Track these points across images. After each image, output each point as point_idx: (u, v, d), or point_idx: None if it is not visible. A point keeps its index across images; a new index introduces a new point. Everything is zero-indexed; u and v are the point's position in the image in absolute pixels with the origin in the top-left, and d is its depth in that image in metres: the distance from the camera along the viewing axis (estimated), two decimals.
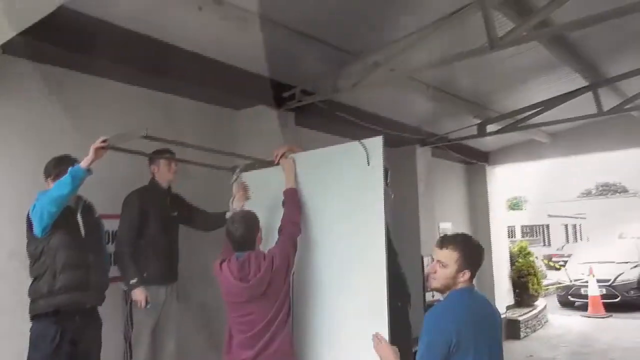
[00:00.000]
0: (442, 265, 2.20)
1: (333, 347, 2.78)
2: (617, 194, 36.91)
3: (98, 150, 2.72)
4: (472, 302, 2.22)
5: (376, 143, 2.70)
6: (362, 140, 2.73)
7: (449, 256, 2.19)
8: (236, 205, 3.15)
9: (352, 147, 2.78)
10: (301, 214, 2.90)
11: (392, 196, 3.11)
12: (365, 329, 2.52)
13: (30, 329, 2.77)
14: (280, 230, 2.78)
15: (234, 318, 2.62)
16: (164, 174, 3.46)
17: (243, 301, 2.56)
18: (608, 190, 40.47)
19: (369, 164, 2.68)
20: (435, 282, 2.24)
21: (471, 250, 2.24)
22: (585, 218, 27.88)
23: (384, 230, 2.60)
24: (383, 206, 2.62)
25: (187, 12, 3.20)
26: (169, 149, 3.38)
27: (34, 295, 2.79)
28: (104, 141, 2.73)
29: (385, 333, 2.48)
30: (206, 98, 4.38)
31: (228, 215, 3.42)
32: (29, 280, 2.82)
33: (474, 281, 2.28)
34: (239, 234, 2.65)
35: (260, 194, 3.26)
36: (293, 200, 2.90)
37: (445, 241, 2.24)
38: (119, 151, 2.89)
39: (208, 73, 3.94)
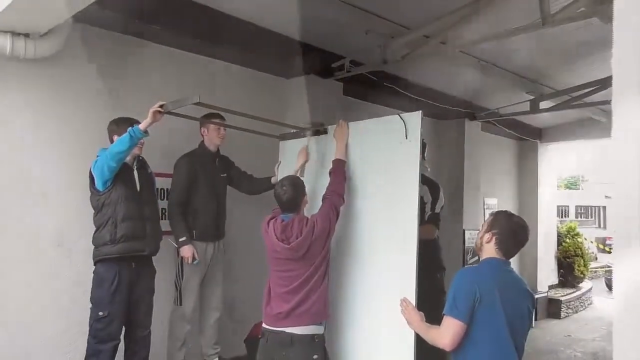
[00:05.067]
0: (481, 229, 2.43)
1: (365, 308, 2.97)
2: None
3: (155, 113, 2.95)
4: (500, 271, 2.32)
5: (415, 117, 2.79)
6: (401, 114, 2.82)
7: (486, 220, 2.42)
8: (297, 168, 3.28)
9: (392, 121, 2.89)
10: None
11: (429, 170, 3.19)
12: (396, 294, 2.67)
13: (94, 271, 3.12)
14: (324, 198, 2.93)
15: (275, 272, 2.82)
16: (212, 138, 3.68)
17: (284, 258, 2.76)
18: None
19: (407, 137, 2.78)
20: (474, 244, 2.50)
21: (502, 220, 2.37)
22: None
23: (418, 203, 2.72)
24: (418, 179, 2.73)
25: None
26: (219, 113, 3.58)
27: (97, 242, 3.11)
28: (160, 106, 2.95)
29: (412, 298, 2.62)
30: (259, 66, 4.54)
31: (273, 180, 3.64)
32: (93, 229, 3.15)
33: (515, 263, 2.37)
34: (287, 197, 2.81)
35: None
36: (340, 171, 3.03)
37: (493, 211, 2.50)
38: (174, 115, 3.10)
39: (261, 42, 4.07)
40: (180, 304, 3.54)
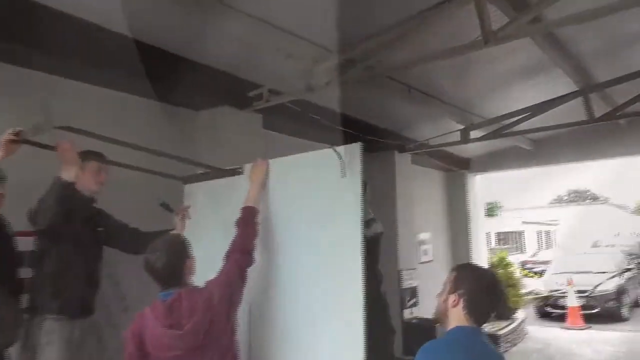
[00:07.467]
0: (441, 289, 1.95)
1: None
2: (588, 201, 37.45)
3: (8, 143, 2.20)
4: (474, 343, 1.83)
5: (354, 151, 2.22)
6: (336, 148, 2.24)
7: (448, 278, 1.95)
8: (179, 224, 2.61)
9: (325, 155, 2.29)
10: (258, 239, 2.37)
11: (372, 215, 2.65)
12: None
13: None
14: (227, 257, 2.25)
15: None
16: (88, 182, 2.76)
17: (175, 355, 2.02)
18: (579, 197, 41.06)
19: (343, 175, 2.21)
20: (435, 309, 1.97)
21: (469, 276, 1.92)
22: (558, 224, 28.05)
23: (362, 256, 2.13)
24: (360, 226, 2.15)
25: None
26: (100, 153, 2.78)
27: None
28: (16, 134, 2.21)
29: None
30: (161, 96, 3.83)
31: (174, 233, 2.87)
32: None
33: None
34: (161, 265, 2.06)
35: (213, 209, 2.74)
36: (250, 222, 2.37)
37: (455, 266, 2.02)
38: (35, 146, 2.32)
39: (163, 68, 3.46)
40: None
